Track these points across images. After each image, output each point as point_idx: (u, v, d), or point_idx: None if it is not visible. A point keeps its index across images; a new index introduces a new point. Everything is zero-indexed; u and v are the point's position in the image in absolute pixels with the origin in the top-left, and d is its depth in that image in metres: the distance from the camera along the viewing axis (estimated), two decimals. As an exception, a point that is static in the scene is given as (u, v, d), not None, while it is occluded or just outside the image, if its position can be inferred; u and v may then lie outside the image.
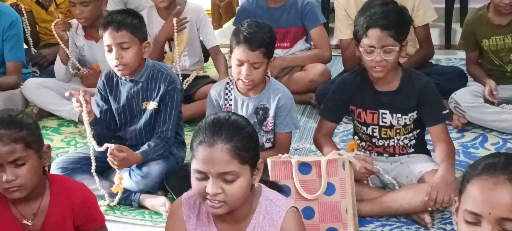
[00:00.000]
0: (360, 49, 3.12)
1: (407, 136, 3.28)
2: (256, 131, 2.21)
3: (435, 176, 3.03)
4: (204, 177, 2.01)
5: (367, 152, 3.32)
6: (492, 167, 1.57)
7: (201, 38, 4.71)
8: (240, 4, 5.92)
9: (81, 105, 3.30)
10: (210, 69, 4.95)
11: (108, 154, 3.29)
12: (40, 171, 2.48)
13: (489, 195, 1.53)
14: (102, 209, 2.75)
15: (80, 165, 3.50)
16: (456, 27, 5.67)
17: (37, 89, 4.51)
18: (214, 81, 4.18)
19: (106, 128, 3.56)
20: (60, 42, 4.49)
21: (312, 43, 4.63)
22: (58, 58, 4.61)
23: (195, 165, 2.03)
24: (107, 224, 2.68)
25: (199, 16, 4.61)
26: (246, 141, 2.04)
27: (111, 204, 3.46)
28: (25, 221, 2.51)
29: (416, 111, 3.19)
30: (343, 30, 4.30)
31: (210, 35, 4.65)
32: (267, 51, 3.29)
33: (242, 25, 3.36)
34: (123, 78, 3.57)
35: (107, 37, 3.45)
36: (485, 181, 1.55)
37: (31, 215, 2.52)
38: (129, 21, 3.47)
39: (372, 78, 3.17)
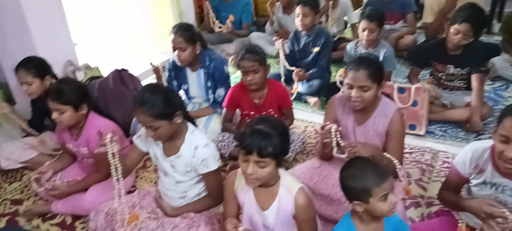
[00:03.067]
0: (451, 30, 2.87)
1: (462, 80, 3.05)
2: (382, 65, 2.11)
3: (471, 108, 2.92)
4: (351, 87, 1.99)
5: (437, 87, 3.12)
6: None
7: (345, 18, 4.54)
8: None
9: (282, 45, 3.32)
10: (347, 34, 4.76)
11: (293, 74, 3.32)
12: (266, 76, 2.56)
13: None
14: (290, 99, 2.79)
15: (276, 77, 3.51)
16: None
17: (257, 38, 4.55)
18: (349, 41, 4.06)
19: (291, 58, 3.54)
20: (270, 14, 4.52)
21: (406, 23, 4.34)
22: (268, 23, 4.65)
23: (346, 81, 2.02)
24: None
25: (347, 5, 4.45)
26: (376, 69, 1.99)
27: (292, 98, 3.45)
28: (255, 100, 2.63)
29: (468, 67, 2.95)
30: (428, 17, 3.99)
31: (352, 16, 4.45)
32: (379, 23, 3.14)
33: (366, 10, 3.24)
34: (303, 33, 3.55)
35: (297, 10, 3.43)
36: None
37: (258, 97, 2.62)
38: (310, 2, 3.41)
39: (448, 46, 2.93)
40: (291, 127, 2.85)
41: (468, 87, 3.05)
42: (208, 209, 2.06)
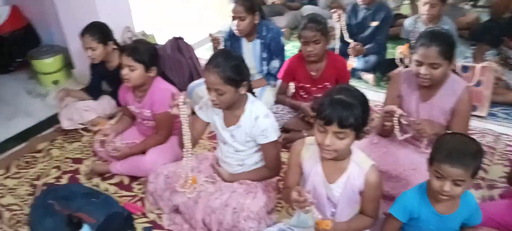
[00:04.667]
0: None
1: None
2: (455, 42, 2.00)
3: None
4: (420, 64, 1.92)
5: (503, 68, 2.96)
6: None
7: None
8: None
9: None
10: (403, 11, 4.57)
11: (350, 48, 3.20)
12: (326, 47, 2.52)
13: None
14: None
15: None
16: None
17: (310, 11, 4.32)
18: (406, 17, 3.89)
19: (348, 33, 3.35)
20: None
21: None
22: None
23: (415, 57, 1.94)
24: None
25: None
26: (449, 46, 1.91)
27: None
28: (312, 73, 2.59)
29: None
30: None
31: None
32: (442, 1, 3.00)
33: None
34: (362, 6, 3.43)
35: None
36: None
37: (315, 70, 2.58)
38: None
39: None
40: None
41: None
42: (264, 180, 2.07)
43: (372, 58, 3.40)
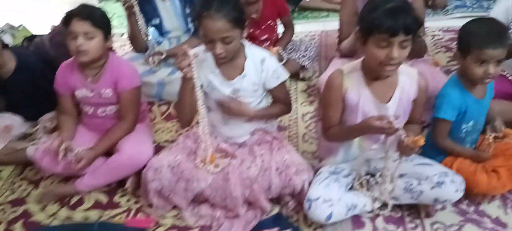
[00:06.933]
0: None
1: None
2: None
3: None
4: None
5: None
6: None
7: None
8: None
9: None
10: None
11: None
12: None
13: None
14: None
15: None
16: None
17: None
18: None
19: None
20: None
21: None
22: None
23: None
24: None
25: None
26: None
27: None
28: (253, 15, 2.47)
29: None
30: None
31: None
32: None
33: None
34: None
35: None
36: None
37: (255, 12, 2.47)
38: None
39: None
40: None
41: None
42: (283, 115, 1.96)
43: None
